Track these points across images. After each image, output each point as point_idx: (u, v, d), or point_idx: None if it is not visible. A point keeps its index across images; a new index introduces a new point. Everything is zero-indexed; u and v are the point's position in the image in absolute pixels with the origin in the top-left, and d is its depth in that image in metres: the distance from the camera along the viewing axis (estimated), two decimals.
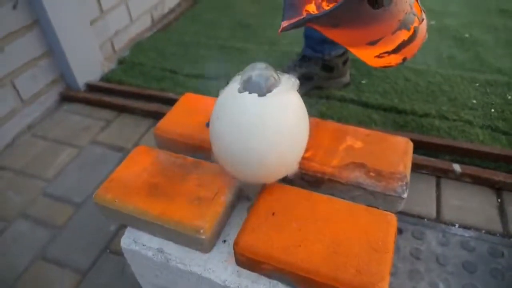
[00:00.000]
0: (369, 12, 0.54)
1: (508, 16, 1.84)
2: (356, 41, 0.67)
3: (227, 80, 0.68)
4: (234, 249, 0.60)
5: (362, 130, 0.77)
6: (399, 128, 1.27)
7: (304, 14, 0.63)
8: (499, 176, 1.07)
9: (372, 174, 0.68)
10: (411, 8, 0.68)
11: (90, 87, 1.59)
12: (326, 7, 0.64)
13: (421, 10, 0.76)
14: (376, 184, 0.67)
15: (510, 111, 1.29)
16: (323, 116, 1.33)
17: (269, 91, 0.59)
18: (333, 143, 0.75)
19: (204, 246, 0.64)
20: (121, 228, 1.07)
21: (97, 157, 1.31)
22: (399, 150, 0.73)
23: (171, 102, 1.41)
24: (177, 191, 0.67)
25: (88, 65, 1.60)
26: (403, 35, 0.68)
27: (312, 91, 1.42)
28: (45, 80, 1.49)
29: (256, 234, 0.61)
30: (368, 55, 0.72)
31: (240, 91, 0.60)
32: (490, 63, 1.54)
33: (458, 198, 1.06)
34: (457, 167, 1.09)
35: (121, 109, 1.49)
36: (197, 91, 1.46)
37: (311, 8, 0.64)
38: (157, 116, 1.41)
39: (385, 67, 0.76)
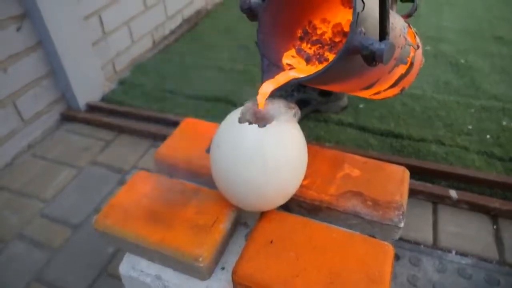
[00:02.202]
0: (363, 65, 0.51)
1: (503, 43, 1.88)
2: (351, 89, 0.67)
3: (226, 102, 0.69)
4: (232, 278, 0.61)
5: (359, 158, 0.79)
6: (395, 153, 1.28)
7: (284, 65, 0.61)
8: (495, 203, 1.08)
9: (369, 203, 0.69)
10: (406, 39, 0.67)
11: (91, 107, 1.61)
12: (309, 50, 0.63)
13: (414, 35, 0.75)
14: (373, 213, 0.68)
15: (505, 137, 1.31)
16: (320, 139, 1.34)
17: (269, 121, 0.60)
18: (331, 171, 0.76)
19: (203, 274, 0.64)
20: (119, 251, 1.06)
21: (96, 178, 1.31)
22: (396, 179, 0.74)
23: (171, 123, 1.43)
24: (176, 218, 0.68)
25: (89, 85, 1.62)
26: (401, 70, 0.69)
27: (310, 115, 1.44)
28: (47, 100, 1.50)
29: (254, 262, 0.61)
30: (364, 95, 0.72)
31: (240, 121, 0.61)
32: (486, 89, 1.57)
33: (454, 224, 1.06)
34: (453, 193, 1.10)
35: (121, 130, 1.51)
36: (197, 112, 1.48)
37: (291, 53, 0.63)
38: (157, 137, 1.43)
39: (383, 99, 0.76)
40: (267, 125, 0.59)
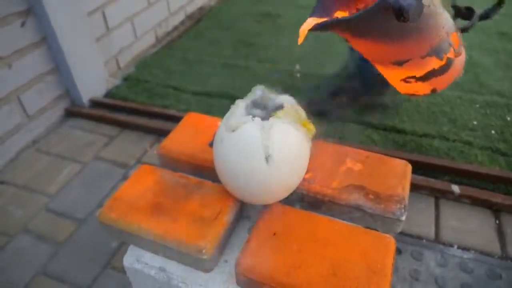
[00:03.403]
0: (396, 26, 0.54)
1: (507, 39, 1.88)
2: (382, 57, 0.67)
3: (229, 98, 0.69)
4: (235, 269, 0.61)
5: (362, 152, 0.79)
6: (398, 148, 1.28)
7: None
8: (498, 198, 1.08)
9: (371, 196, 0.70)
10: (448, 36, 0.67)
11: (95, 103, 1.62)
12: None
13: (459, 43, 0.75)
14: (375, 206, 0.68)
15: (510, 133, 1.31)
16: (323, 136, 1.34)
17: (272, 115, 0.61)
18: (333, 164, 0.76)
19: (206, 266, 0.65)
20: (123, 245, 1.08)
21: (100, 173, 1.32)
22: (398, 172, 0.75)
23: (174, 119, 1.43)
24: (180, 211, 0.68)
25: (93, 81, 1.63)
26: (434, 63, 0.68)
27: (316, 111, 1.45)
28: (51, 95, 1.52)
29: (257, 255, 0.62)
30: (394, 77, 0.71)
31: (243, 114, 0.62)
32: (490, 85, 1.57)
33: (456, 219, 1.07)
34: (455, 188, 1.11)
35: (125, 126, 1.52)
36: (200, 108, 1.49)
37: (343, 15, 0.64)
38: (160, 133, 1.44)
39: (412, 95, 0.76)
40: (270, 118, 0.60)
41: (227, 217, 0.67)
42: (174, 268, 0.68)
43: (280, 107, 0.63)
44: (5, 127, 1.36)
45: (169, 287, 0.68)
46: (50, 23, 1.38)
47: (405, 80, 0.72)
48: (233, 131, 0.60)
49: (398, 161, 0.77)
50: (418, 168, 1.17)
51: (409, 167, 0.76)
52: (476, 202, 1.10)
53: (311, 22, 0.60)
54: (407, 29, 0.54)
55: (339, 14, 0.65)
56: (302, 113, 0.65)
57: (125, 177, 1.29)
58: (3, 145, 1.36)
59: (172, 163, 0.82)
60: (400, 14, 0.51)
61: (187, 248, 0.63)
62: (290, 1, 2.40)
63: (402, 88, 0.75)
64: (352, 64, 1.39)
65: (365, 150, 0.80)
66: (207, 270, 0.66)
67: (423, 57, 0.65)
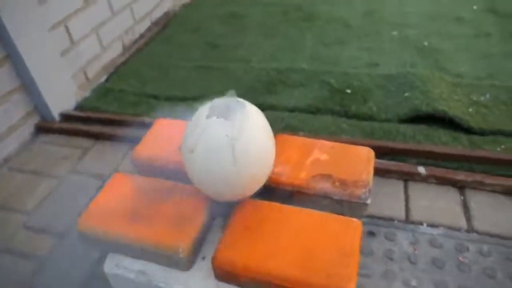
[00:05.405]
0: None
1: (463, 23, 1.96)
2: None
3: (198, 102, 0.72)
4: (212, 264, 0.64)
5: (327, 143, 0.83)
6: (367, 136, 1.33)
7: None
8: (461, 175, 1.14)
9: (337, 184, 0.73)
10: None
11: (65, 117, 1.61)
12: None
13: None
14: (342, 193, 0.72)
15: (469, 114, 1.37)
16: (294, 129, 1.37)
17: (235, 114, 0.64)
18: (301, 157, 0.79)
19: (184, 265, 0.67)
20: (105, 254, 1.08)
21: (77, 185, 1.32)
22: (362, 159, 0.79)
23: (147, 126, 1.43)
24: (155, 214, 0.70)
25: (62, 95, 1.62)
26: None
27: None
28: (19, 113, 1.50)
29: (232, 248, 0.64)
30: None
31: (208, 117, 0.64)
32: (450, 69, 1.63)
33: (425, 198, 1.12)
34: (422, 169, 1.16)
35: (98, 137, 1.51)
36: (172, 113, 1.50)
37: None
38: (134, 141, 1.42)
39: None
40: (232, 118, 0.63)
41: (201, 216, 0.70)
42: (154, 270, 0.70)
43: (242, 107, 0.66)
44: None
45: None
46: (12, 40, 1.36)
47: None
48: (194, 148, 0.63)
49: (361, 148, 0.81)
50: (387, 153, 1.22)
51: (372, 153, 0.80)
52: (442, 181, 1.15)
53: None
54: None
55: None
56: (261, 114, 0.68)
57: (102, 188, 1.29)
58: None
59: (145, 169, 0.84)
60: None
61: (165, 249, 0.65)
62: (255, 0, 2.43)
63: None
64: None
65: (332, 141, 0.83)
66: (186, 269, 0.68)
67: None
